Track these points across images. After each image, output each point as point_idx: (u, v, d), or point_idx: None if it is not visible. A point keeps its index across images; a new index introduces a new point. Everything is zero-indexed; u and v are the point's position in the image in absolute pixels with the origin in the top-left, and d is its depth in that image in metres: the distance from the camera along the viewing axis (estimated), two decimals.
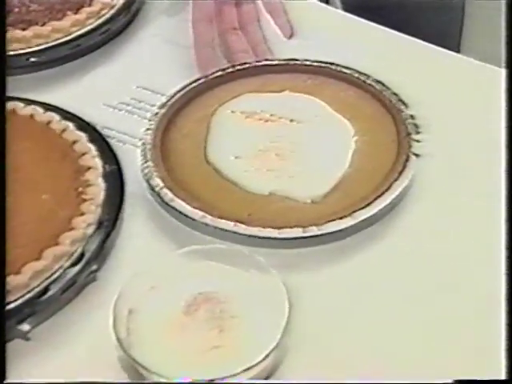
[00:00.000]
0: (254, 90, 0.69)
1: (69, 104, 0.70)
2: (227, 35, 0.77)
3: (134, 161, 0.66)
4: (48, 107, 0.67)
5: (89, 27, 0.76)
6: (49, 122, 0.66)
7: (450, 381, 0.50)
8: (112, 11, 0.78)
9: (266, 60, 0.71)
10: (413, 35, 0.77)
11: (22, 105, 0.67)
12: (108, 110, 0.73)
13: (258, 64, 0.71)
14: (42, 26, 0.74)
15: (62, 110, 0.68)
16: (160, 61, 0.77)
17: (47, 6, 0.77)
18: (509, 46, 0.54)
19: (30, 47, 0.74)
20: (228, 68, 0.71)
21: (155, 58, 0.78)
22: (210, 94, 0.70)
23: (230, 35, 0.77)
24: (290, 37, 0.78)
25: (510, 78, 0.54)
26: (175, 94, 0.69)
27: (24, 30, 0.74)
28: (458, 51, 0.87)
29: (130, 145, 0.69)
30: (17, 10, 0.77)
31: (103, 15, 0.77)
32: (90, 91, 0.75)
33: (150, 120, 0.68)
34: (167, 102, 0.69)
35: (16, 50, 0.73)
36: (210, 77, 0.71)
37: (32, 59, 0.74)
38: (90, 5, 0.77)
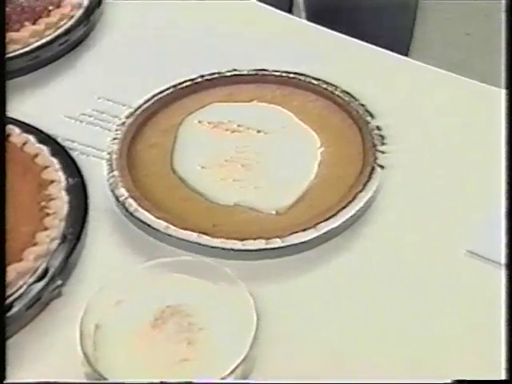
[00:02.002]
0: (222, 100, 0.71)
1: (29, 116, 0.71)
2: None
3: (97, 173, 0.67)
4: (7, 120, 0.68)
5: (47, 38, 0.77)
6: (9, 135, 0.67)
7: (450, 381, 0.51)
8: (71, 22, 0.79)
9: (235, 70, 0.73)
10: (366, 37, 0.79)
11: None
12: (70, 121, 0.74)
13: (226, 74, 0.73)
14: None
15: (21, 122, 0.69)
16: (121, 71, 0.78)
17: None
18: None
19: None
20: (196, 78, 0.73)
21: (116, 68, 0.79)
22: (178, 104, 0.71)
23: None
24: None
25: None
26: (142, 104, 0.70)
27: None
28: (406, 54, 0.90)
29: (92, 157, 0.70)
30: None
31: (62, 26, 0.79)
32: (50, 103, 0.75)
33: (116, 130, 0.69)
34: (134, 111, 0.70)
35: None
36: (178, 87, 0.72)
37: None
38: (48, 15, 0.78)
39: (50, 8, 0.79)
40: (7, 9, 0.78)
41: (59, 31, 0.78)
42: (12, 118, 0.69)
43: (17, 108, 0.73)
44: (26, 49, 0.76)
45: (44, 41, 0.77)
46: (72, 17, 0.79)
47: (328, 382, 0.53)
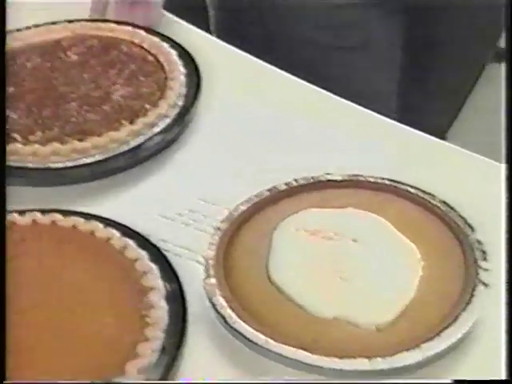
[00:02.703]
0: (317, 205, 0.71)
1: (124, 215, 0.73)
2: (116, 5, 0.93)
3: (192, 276, 0.68)
4: (108, 222, 0.69)
5: (144, 137, 0.79)
6: (109, 239, 0.68)
7: (450, 381, 0.53)
8: (167, 121, 0.81)
9: (328, 174, 0.74)
10: None
11: (82, 220, 0.69)
12: (164, 221, 0.75)
13: (321, 179, 0.74)
14: (100, 136, 0.79)
15: (122, 225, 0.70)
16: (216, 171, 0.79)
17: (103, 116, 0.82)
18: None
19: (87, 157, 0.77)
20: (291, 182, 0.74)
21: (210, 167, 0.80)
22: (272, 209, 0.72)
23: (118, 6, 0.93)
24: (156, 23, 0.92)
25: None
26: (238, 207, 0.72)
27: (81, 140, 0.78)
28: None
29: (186, 258, 0.71)
30: (74, 119, 0.81)
31: (158, 125, 0.80)
32: (145, 201, 0.77)
33: (213, 234, 0.70)
34: (230, 215, 0.71)
35: (75, 160, 0.77)
36: (273, 191, 0.74)
37: (90, 170, 0.77)
38: (145, 115, 0.81)
39: (147, 107, 0.82)
40: (106, 107, 0.83)
41: (155, 130, 0.81)
42: (112, 221, 0.71)
43: (112, 206, 0.77)
44: (124, 148, 0.78)
45: (141, 140, 0.79)
46: (167, 116, 0.82)
47: (327, 382, 0.54)
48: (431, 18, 1.14)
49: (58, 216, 0.69)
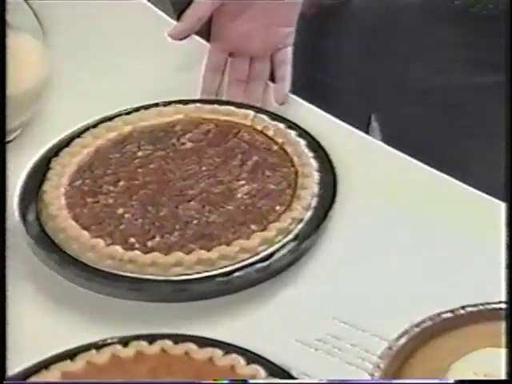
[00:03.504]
0: (495, 342, 0.61)
1: (257, 340, 0.64)
2: (230, 86, 0.89)
3: None
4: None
5: (277, 245, 0.70)
6: (233, 367, 0.59)
7: (451, 381, 0.55)
8: (300, 226, 0.72)
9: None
10: None
11: (220, 352, 0.59)
12: (302, 347, 0.65)
13: (495, 306, 0.62)
14: (228, 244, 0.69)
15: (245, 350, 0.60)
16: (359, 287, 0.69)
17: (228, 218, 0.72)
18: None
19: (212, 269, 0.69)
20: (457, 309, 0.63)
21: (352, 283, 0.70)
22: (439, 343, 0.61)
23: (231, 86, 0.89)
24: (281, 104, 0.87)
25: None
26: (397, 341, 0.60)
27: (207, 249, 0.69)
28: None
29: None
30: (195, 221, 0.72)
31: (292, 231, 0.71)
32: (277, 322, 0.68)
33: (370, 373, 0.60)
34: (389, 349, 0.59)
35: (200, 273, 0.68)
36: (437, 320, 0.63)
37: (216, 284, 0.68)
38: (278, 219, 0.71)
39: (278, 208, 0.72)
40: (230, 207, 0.74)
41: (289, 237, 0.71)
42: (236, 346, 0.62)
43: (241, 327, 0.68)
44: (255, 258, 0.69)
45: (273, 249, 0.70)
46: (302, 221, 0.72)
47: (327, 382, 0.55)
48: None
49: (193, 346, 0.60)
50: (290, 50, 0.90)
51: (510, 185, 0.61)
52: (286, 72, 0.89)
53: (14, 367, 0.59)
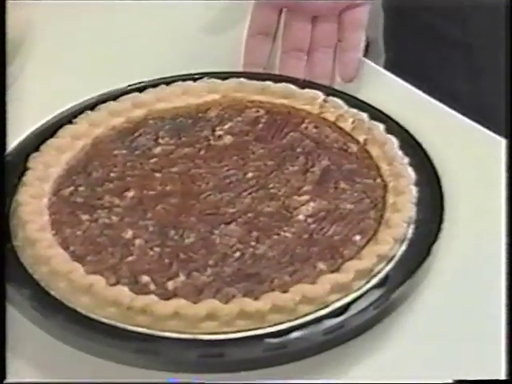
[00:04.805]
0: None
1: None
2: (287, 57, 0.93)
3: None
4: None
5: (352, 295, 0.71)
6: None
7: (450, 381, 0.68)
8: (389, 266, 0.73)
9: None
10: None
11: None
12: None
13: None
14: (284, 291, 0.70)
15: None
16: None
17: (284, 250, 0.73)
18: None
19: (264, 327, 0.69)
20: None
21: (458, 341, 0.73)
22: None
23: (289, 58, 0.93)
24: (349, 80, 0.92)
25: None
26: None
27: (253, 297, 0.69)
28: None
29: None
30: (237, 254, 0.73)
31: (377, 273, 0.73)
32: None
33: None
34: None
35: (243, 331, 0.69)
36: None
37: (264, 347, 0.69)
38: (356, 255, 0.73)
39: (357, 239, 0.74)
40: (288, 234, 0.75)
41: (373, 282, 0.72)
42: None
43: None
44: (323, 311, 0.70)
45: (350, 298, 0.71)
46: (392, 258, 0.74)
47: (328, 382, 0.63)
48: None
49: None
50: (365, 9, 0.92)
51: None
52: (359, 38, 0.92)
53: None
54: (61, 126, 0.83)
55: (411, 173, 0.79)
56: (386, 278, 0.74)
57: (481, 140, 0.88)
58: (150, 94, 0.86)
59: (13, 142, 0.83)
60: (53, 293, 0.72)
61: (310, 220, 0.77)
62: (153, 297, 0.71)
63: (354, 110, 0.84)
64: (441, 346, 0.74)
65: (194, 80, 0.87)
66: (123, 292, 0.71)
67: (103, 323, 0.70)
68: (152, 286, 0.72)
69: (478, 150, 0.87)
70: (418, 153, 0.81)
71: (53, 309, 0.71)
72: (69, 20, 1.01)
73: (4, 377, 0.64)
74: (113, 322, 0.70)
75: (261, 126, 0.84)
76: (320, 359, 0.72)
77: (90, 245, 0.74)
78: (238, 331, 0.70)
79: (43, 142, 0.81)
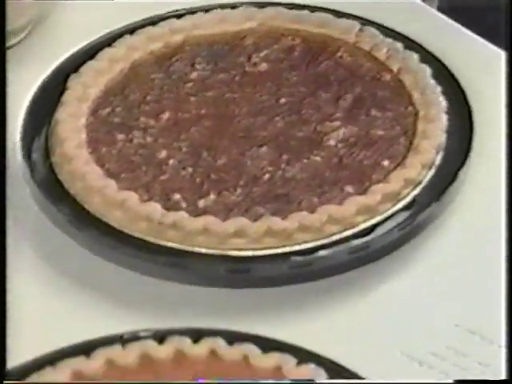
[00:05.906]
0: None
1: (336, 345, 0.68)
2: None
3: None
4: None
5: (381, 216, 0.73)
6: None
7: (450, 381, 0.68)
8: (416, 190, 0.75)
9: None
10: None
11: (291, 361, 0.63)
12: (410, 363, 0.70)
13: None
14: (312, 211, 0.72)
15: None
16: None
17: (313, 174, 0.75)
18: None
19: (291, 244, 0.72)
20: None
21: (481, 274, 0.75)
22: None
23: None
24: None
25: None
26: None
27: (282, 216, 0.72)
28: None
29: None
30: (267, 176, 0.75)
31: (403, 198, 0.74)
32: (377, 335, 0.72)
33: None
34: None
35: (270, 249, 0.71)
36: None
37: (291, 264, 0.72)
38: (384, 178, 0.74)
39: (386, 164, 0.76)
40: (318, 158, 0.77)
41: (399, 205, 0.74)
42: (314, 354, 0.65)
43: (325, 330, 0.72)
44: (349, 232, 0.73)
45: (372, 222, 0.73)
46: (419, 184, 0.76)
47: (328, 382, 0.63)
48: None
49: (254, 349, 0.63)
50: None
51: None
52: None
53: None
54: (100, 49, 0.85)
55: (443, 101, 0.80)
56: (413, 201, 0.75)
57: None
58: (188, 20, 0.88)
59: (53, 63, 0.85)
60: (87, 207, 0.74)
61: (340, 145, 0.78)
62: (183, 213, 0.73)
63: (389, 40, 0.85)
64: (463, 273, 0.75)
65: (232, 8, 0.88)
66: (155, 208, 0.73)
67: (135, 237, 0.73)
68: (183, 204, 0.74)
69: None
70: (451, 82, 0.82)
71: (87, 223, 0.74)
72: None
73: (4, 377, 0.62)
74: (144, 237, 0.73)
75: (296, 54, 0.85)
76: (344, 279, 0.73)
77: (125, 163, 0.77)
78: (265, 248, 0.72)
79: (82, 63, 0.83)
